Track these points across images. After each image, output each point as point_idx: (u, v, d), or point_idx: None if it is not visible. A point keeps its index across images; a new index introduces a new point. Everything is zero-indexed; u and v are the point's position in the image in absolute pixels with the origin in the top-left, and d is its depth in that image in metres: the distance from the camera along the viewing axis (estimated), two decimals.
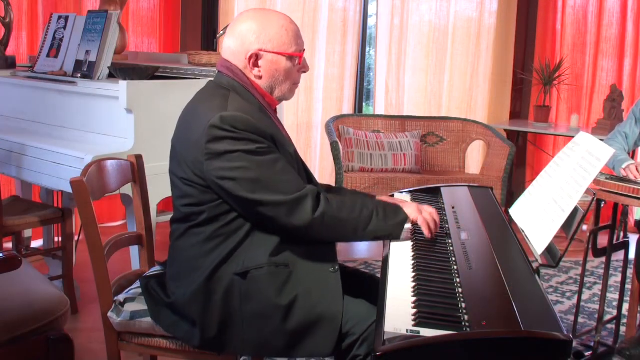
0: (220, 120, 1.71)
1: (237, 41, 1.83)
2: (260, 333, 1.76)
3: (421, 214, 1.86)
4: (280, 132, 1.86)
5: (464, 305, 1.45)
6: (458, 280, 1.58)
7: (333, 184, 4.37)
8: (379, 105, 5.52)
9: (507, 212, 2.18)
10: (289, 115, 5.05)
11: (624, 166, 2.87)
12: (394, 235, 1.84)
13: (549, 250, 1.72)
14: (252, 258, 1.78)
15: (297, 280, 1.77)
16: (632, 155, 3.65)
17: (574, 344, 2.90)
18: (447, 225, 1.98)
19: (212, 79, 1.92)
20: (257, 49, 1.81)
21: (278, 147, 1.79)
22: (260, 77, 1.85)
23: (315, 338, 1.73)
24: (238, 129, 1.71)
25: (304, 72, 1.92)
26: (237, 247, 1.79)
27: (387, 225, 1.82)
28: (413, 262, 1.70)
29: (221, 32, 3.59)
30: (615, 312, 3.09)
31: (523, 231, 1.92)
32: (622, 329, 3.02)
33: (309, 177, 1.94)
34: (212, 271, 1.78)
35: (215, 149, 1.72)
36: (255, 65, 1.83)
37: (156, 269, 2.09)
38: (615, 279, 3.74)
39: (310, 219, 1.73)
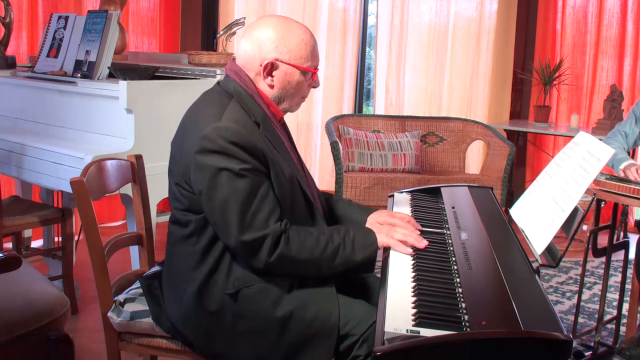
0: (213, 131, 1.68)
1: (254, 47, 1.79)
2: (257, 348, 1.74)
3: (392, 238, 1.78)
4: (282, 145, 1.82)
5: (464, 305, 1.45)
6: (458, 280, 1.58)
7: (333, 185, 4.39)
8: (379, 105, 5.52)
9: (507, 212, 2.18)
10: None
11: (622, 167, 2.86)
12: (368, 268, 1.77)
13: (549, 250, 1.72)
14: (240, 276, 1.75)
15: (291, 294, 1.75)
16: (632, 155, 3.65)
17: (574, 344, 2.90)
18: (447, 225, 1.98)
19: (214, 78, 1.90)
20: (273, 58, 1.78)
21: (269, 164, 1.73)
22: (272, 87, 1.82)
23: (312, 351, 1.71)
24: (229, 142, 1.67)
25: (314, 87, 1.90)
26: (222, 261, 1.76)
27: (356, 259, 1.75)
28: (413, 262, 1.70)
29: (221, 32, 3.59)
30: (615, 312, 3.09)
31: (523, 231, 1.92)
32: (622, 329, 3.02)
33: (304, 196, 1.85)
34: (202, 284, 1.76)
35: (202, 161, 1.69)
36: (269, 74, 1.80)
37: (156, 269, 2.08)
38: (615, 279, 3.74)
39: (265, 262, 1.69)
